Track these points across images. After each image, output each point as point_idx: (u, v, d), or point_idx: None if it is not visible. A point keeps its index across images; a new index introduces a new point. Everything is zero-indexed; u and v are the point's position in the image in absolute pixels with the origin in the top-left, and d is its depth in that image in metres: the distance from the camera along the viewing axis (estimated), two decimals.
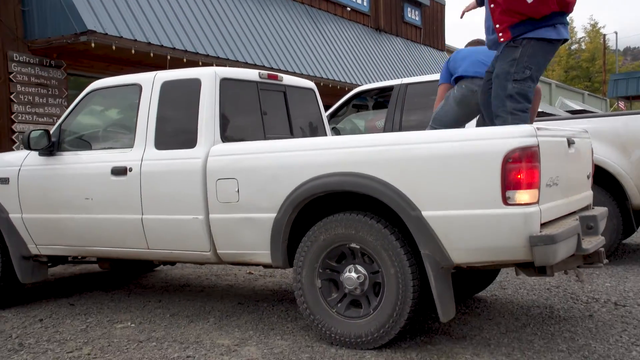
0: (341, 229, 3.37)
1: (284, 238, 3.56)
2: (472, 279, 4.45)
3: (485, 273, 4.40)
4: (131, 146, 4.10)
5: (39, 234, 4.52)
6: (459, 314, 4.05)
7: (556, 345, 3.38)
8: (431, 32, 19.67)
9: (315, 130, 4.85)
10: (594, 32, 40.02)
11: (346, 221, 3.36)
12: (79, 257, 5.03)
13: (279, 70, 10.96)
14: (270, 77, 4.37)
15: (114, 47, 8.36)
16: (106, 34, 8.22)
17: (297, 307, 3.74)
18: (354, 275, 3.37)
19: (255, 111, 4.25)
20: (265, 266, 3.88)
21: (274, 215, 3.55)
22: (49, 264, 4.83)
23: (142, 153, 4.03)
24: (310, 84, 4.89)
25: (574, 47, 41.39)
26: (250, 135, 4.17)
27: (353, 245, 3.37)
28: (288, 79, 4.60)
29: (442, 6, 20.55)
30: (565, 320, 3.87)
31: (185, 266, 6.25)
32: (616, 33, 35.84)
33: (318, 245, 3.44)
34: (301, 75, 11.19)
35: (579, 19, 77.48)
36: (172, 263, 4.93)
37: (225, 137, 3.89)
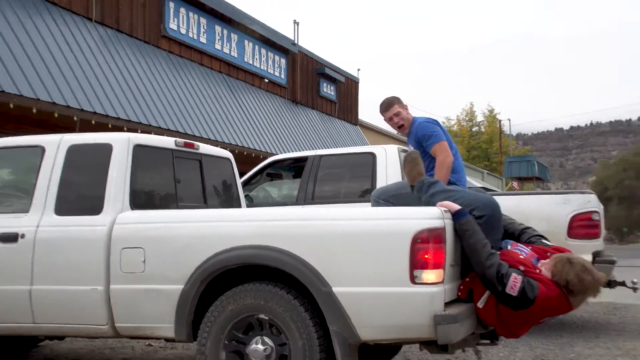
0: (250, 299, 3.30)
1: (190, 311, 3.42)
2: (377, 352, 4.45)
3: (390, 346, 4.43)
4: (26, 211, 3.85)
5: None
6: None
7: None
8: (345, 107, 20.49)
9: (230, 200, 4.79)
10: (491, 117, 43.32)
11: (256, 291, 3.30)
12: None
13: (194, 137, 10.86)
14: (186, 145, 4.32)
15: (11, 106, 7.76)
16: (3, 91, 7.63)
17: None
18: (260, 347, 3.28)
19: (168, 179, 4.15)
20: (168, 340, 3.69)
21: (181, 287, 3.42)
22: None
23: (39, 219, 3.79)
24: (227, 153, 4.88)
25: (474, 129, 44.42)
26: (162, 204, 4.05)
27: (262, 316, 3.30)
28: (204, 148, 4.56)
29: (356, 83, 21.58)
30: None
31: (75, 339, 5.78)
32: (509, 120, 39.20)
33: (225, 316, 3.34)
34: (216, 143, 11.17)
35: (479, 104, 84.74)
36: (61, 337, 4.55)
37: (135, 205, 3.75)
